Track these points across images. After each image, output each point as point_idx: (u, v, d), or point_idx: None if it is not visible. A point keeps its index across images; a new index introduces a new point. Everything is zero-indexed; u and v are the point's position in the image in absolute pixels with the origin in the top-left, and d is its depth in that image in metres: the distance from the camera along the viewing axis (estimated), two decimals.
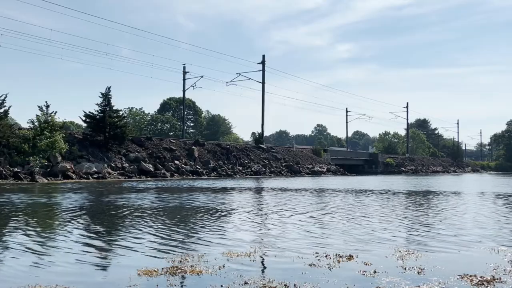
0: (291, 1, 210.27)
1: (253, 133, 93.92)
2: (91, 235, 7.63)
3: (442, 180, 40.66)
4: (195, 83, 54.80)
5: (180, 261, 5.43)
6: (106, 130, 34.85)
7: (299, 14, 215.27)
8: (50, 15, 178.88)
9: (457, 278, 4.66)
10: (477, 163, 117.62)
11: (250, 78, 54.09)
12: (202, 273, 4.83)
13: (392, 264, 5.30)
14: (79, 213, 10.82)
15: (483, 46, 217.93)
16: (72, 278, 4.71)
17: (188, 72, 55.27)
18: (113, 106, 36.27)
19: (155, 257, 5.75)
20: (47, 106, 30.83)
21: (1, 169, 25.58)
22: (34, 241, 6.92)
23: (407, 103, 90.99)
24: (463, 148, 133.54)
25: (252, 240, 7.05)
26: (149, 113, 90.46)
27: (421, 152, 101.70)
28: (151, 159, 36.76)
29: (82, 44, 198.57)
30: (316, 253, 5.93)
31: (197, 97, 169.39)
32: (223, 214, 10.79)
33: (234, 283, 4.45)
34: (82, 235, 7.58)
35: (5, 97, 28.86)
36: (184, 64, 55.72)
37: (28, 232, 7.75)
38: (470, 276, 4.73)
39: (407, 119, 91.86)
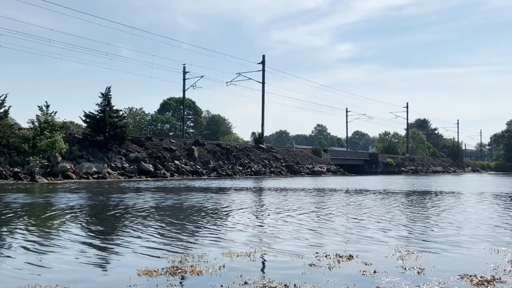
0: (291, 1, 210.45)
1: (253, 133, 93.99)
2: (91, 235, 7.63)
3: (442, 180, 40.66)
4: (195, 83, 54.86)
5: (180, 261, 5.43)
6: (106, 130, 34.85)
7: (299, 14, 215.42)
8: (50, 15, 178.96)
9: (457, 278, 4.66)
10: (477, 163, 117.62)
11: (250, 78, 54.15)
12: (202, 273, 4.83)
13: (392, 264, 5.30)
14: (79, 213, 10.82)
15: (483, 46, 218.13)
16: (72, 278, 4.71)
17: (188, 72, 55.30)
18: (113, 106, 36.29)
19: (155, 257, 5.75)
20: (47, 106, 30.84)
21: (1, 169, 25.58)
22: (34, 241, 6.92)
23: (407, 103, 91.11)
24: (463, 148, 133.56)
25: (252, 240, 7.05)
26: (149, 113, 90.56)
27: (421, 152, 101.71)
28: (151, 159, 36.76)
29: (82, 44, 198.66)
30: (316, 253, 5.93)
31: (197, 97, 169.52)
32: (223, 214, 10.80)
33: (234, 283, 4.45)
34: (82, 235, 7.59)
35: (5, 97, 28.89)
36: (184, 64, 55.79)
37: (28, 232, 7.75)
38: (470, 276, 4.73)
39: (407, 119, 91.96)
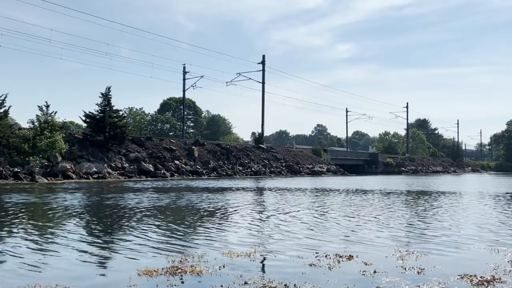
0: (291, 1, 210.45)
1: (253, 133, 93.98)
2: (91, 235, 7.63)
3: (442, 180, 40.66)
4: (195, 83, 54.85)
5: (180, 261, 5.43)
6: (106, 130, 34.85)
7: (299, 14, 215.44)
8: (50, 15, 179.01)
9: (457, 278, 4.66)
10: (477, 163, 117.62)
11: (250, 78, 54.14)
12: (202, 273, 4.83)
13: (392, 264, 5.30)
14: (79, 213, 10.82)
15: (483, 46, 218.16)
16: (72, 278, 4.71)
17: (188, 72, 55.30)
18: (113, 106, 36.27)
19: (155, 257, 5.76)
20: (47, 106, 30.85)
21: (1, 169, 25.57)
22: (33, 241, 6.92)
23: (407, 103, 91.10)
24: (463, 148, 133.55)
25: (252, 240, 7.05)
26: (149, 113, 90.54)
27: (421, 152, 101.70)
28: (151, 159, 36.75)
29: (82, 44, 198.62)
30: (316, 253, 5.93)
31: (197, 97, 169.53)
32: (223, 214, 10.80)
33: (234, 283, 4.45)
34: (82, 235, 7.59)
35: (5, 97, 28.86)
36: (184, 64, 55.79)
37: (28, 232, 7.75)
38: (470, 276, 4.73)
39: (407, 119, 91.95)
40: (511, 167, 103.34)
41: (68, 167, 29.08)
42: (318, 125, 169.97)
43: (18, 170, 26.33)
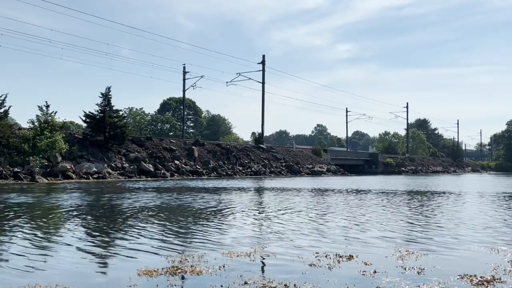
0: (291, 1, 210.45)
1: (253, 133, 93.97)
2: (91, 235, 7.63)
3: (442, 180, 40.66)
4: (195, 83, 54.85)
5: (180, 261, 5.43)
6: (106, 130, 34.84)
7: (299, 14, 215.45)
8: (50, 15, 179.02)
9: (457, 278, 4.66)
10: (477, 163, 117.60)
11: (250, 78, 54.14)
12: (202, 273, 4.83)
13: (392, 264, 5.30)
14: (79, 213, 10.82)
15: (483, 46, 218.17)
16: (72, 278, 4.71)
17: (188, 72, 55.30)
18: (113, 106, 36.27)
19: (155, 257, 5.76)
20: (47, 106, 30.85)
21: (1, 169, 25.57)
22: (33, 241, 6.92)
23: (407, 103, 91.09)
24: (463, 148, 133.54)
25: (252, 240, 7.05)
26: (149, 113, 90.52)
27: (421, 152, 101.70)
28: (151, 159, 36.75)
29: (82, 44, 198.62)
30: (316, 253, 5.93)
31: (197, 97, 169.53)
32: (223, 214, 10.80)
33: (234, 283, 4.45)
34: (81, 235, 7.58)
35: (5, 97, 28.87)
36: (184, 64, 55.79)
37: (28, 232, 7.75)
38: (470, 276, 4.73)
39: (407, 119, 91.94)
40: (511, 167, 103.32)
41: (68, 167, 29.07)
42: (318, 125, 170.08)
43: (18, 170, 26.33)
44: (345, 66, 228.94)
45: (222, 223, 9.16)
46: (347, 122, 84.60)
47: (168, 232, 7.93)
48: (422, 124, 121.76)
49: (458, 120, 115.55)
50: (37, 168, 27.05)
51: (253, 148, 51.37)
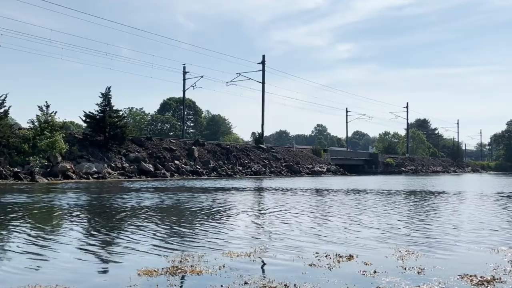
0: (291, 1, 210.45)
1: (253, 133, 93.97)
2: (91, 235, 7.63)
3: (442, 180, 40.66)
4: (195, 83, 54.86)
5: (180, 261, 5.43)
6: (106, 130, 34.84)
7: (299, 14, 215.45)
8: (50, 15, 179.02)
9: (457, 278, 4.66)
10: (477, 163, 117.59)
11: (250, 78, 54.15)
12: (202, 273, 4.83)
13: (392, 264, 5.30)
14: (79, 213, 10.82)
15: (483, 46, 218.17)
16: (72, 278, 4.71)
17: (188, 72, 55.31)
18: (113, 106, 36.26)
19: (155, 257, 5.75)
20: (47, 106, 30.85)
21: (1, 169, 25.57)
22: (33, 241, 6.92)
23: (407, 103, 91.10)
24: (463, 148, 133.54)
25: (252, 240, 7.05)
26: (149, 113, 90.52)
27: (421, 152, 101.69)
28: (151, 159, 36.75)
29: (82, 44, 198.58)
30: (316, 253, 5.93)
31: (197, 97, 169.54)
32: (223, 214, 10.80)
33: (234, 283, 4.45)
34: (81, 235, 7.58)
35: (5, 97, 28.86)
36: (184, 64, 55.81)
37: (28, 232, 7.75)
38: (470, 276, 4.73)
39: (407, 119, 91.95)
40: (511, 167, 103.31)
41: (68, 167, 29.07)
42: (318, 125, 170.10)
43: (18, 170, 26.33)
44: (345, 66, 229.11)
45: (222, 223, 9.16)
46: (347, 122, 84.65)
47: (168, 232, 7.93)
48: (422, 124, 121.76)
49: (458, 120, 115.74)
50: (37, 168, 27.05)
51: (253, 148, 51.37)
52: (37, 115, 30.47)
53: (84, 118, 35.79)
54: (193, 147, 42.33)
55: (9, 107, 29.00)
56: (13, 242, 6.83)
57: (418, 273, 4.89)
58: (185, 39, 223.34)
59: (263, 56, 53.99)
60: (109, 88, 35.94)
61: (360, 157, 73.87)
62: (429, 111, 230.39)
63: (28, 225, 8.72)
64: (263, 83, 53.85)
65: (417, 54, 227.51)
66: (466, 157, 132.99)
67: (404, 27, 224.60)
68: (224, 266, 5.13)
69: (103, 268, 5.31)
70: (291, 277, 4.68)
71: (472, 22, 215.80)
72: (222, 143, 49.66)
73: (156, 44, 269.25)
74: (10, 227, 8.44)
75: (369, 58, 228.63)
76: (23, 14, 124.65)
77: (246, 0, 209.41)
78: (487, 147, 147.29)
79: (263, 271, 5.10)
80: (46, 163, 28.02)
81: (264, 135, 57.21)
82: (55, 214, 10.77)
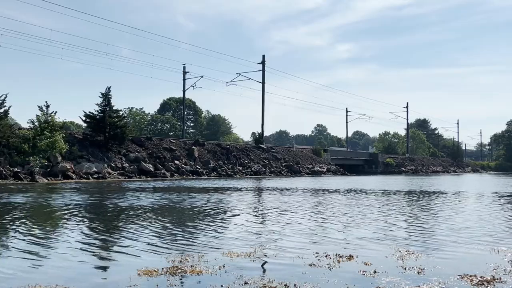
0: (291, 1, 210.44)
1: (253, 133, 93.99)
2: (91, 235, 7.62)
3: (441, 180, 40.66)
4: (195, 83, 54.85)
5: (180, 261, 5.43)
6: (106, 130, 34.84)
7: (299, 14, 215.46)
8: (50, 15, 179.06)
9: (457, 278, 4.66)
10: (477, 163, 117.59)
11: (250, 78, 54.14)
12: (202, 273, 4.83)
13: (392, 264, 5.30)
14: (79, 213, 10.81)
15: (483, 46, 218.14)
16: (72, 278, 4.71)
17: (188, 72, 55.30)
18: (113, 106, 36.26)
19: (155, 257, 5.75)
20: (47, 106, 30.85)
21: (1, 169, 25.57)
22: (33, 241, 6.92)
23: (407, 103, 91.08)
24: (463, 148, 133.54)
25: (252, 240, 7.05)
26: (149, 113, 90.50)
27: (421, 152, 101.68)
28: (151, 159, 36.75)
29: (82, 44, 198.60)
30: (316, 253, 5.93)
31: (197, 97, 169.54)
32: (223, 214, 10.79)
33: (234, 283, 4.45)
34: (81, 235, 7.58)
35: (5, 97, 28.86)
36: (184, 64, 55.79)
37: (28, 232, 7.75)
38: (470, 276, 4.73)
39: (407, 119, 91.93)
40: (511, 167, 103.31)
41: (68, 167, 29.08)
42: (318, 125, 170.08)
43: (18, 170, 26.33)
44: (345, 66, 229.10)
45: (222, 223, 9.16)
46: (347, 122, 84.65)
47: (168, 232, 7.93)
48: (422, 124, 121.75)
49: (458, 120, 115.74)
50: (37, 168, 27.05)
51: (253, 148, 51.36)
52: (37, 115, 30.49)
53: (84, 118, 35.80)
54: (193, 147, 42.33)
55: (9, 107, 29.04)
56: (13, 242, 6.83)
57: (418, 273, 4.89)
58: (185, 39, 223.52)
59: (263, 56, 54.03)
60: (109, 88, 35.98)
61: (360, 157, 73.87)
62: (429, 111, 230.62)
63: (28, 225, 8.71)
64: (263, 83, 53.86)
65: (417, 54, 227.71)
66: (466, 157, 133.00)
67: (404, 27, 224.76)
68: (224, 266, 5.13)
69: (103, 268, 5.31)
70: (291, 277, 4.68)
71: (472, 22, 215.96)
72: (222, 143, 49.66)
73: (156, 44, 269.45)
74: (10, 227, 8.44)
75: (369, 58, 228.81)
76: (23, 14, 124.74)
77: (246, 0, 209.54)
78: (487, 147, 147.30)
79: (263, 271, 5.10)
80: (46, 163, 28.02)
81: (264, 135, 57.22)
82: (55, 214, 10.77)
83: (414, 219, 9.89)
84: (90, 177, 29.65)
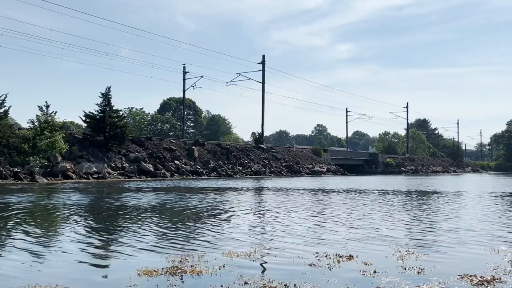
0: (291, 1, 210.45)
1: (253, 133, 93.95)
2: (91, 235, 7.62)
3: (441, 180, 40.66)
4: (195, 83, 54.86)
5: (180, 261, 5.43)
6: (106, 130, 34.84)
7: (299, 14, 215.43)
8: (50, 15, 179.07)
9: (457, 278, 4.66)
10: (477, 163, 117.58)
11: (250, 78, 54.14)
12: (202, 273, 4.83)
13: (392, 264, 5.30)
14: (79, 213, 10.82)
15: (483, 46, 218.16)
16: (72, 278, 4.71)
17: (188, 72, 55.30)
18: (113, 106, 36.24)
19: (155, 257, 5.75)
20: (47, 106, 30.84)
21: (1, 169, 25.57)
22: (33, 241, 6.92)
23: (407, 103, 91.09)
24: (463, 148, 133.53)
25: (252, 240, 7.05)
26: (149, 113, 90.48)
27: (421, 152, 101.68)
28: (151, 159, 36.75)
29: (82, 44, 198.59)
30: (316, 253, 5.93)
31: (197, 97, 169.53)
32: (223, 214, 10.79)
33: (234, 283, 4.45)
34: (81, 235, 7.58)
35: (5, 97, 28.85)
36: (184, 64, 55.80)
37: (28, 232, 7.75)
38: (470, 276, 4.73)
39: (407, 119, 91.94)
40: (511, 167, 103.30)
41: (68, 167, 29.07)
42: (318, 125, 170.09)
43: (18, 170, 26.33)
44: (345, 66, 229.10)
45: (222, 223, 9.15)
46: (347, 122, 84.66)
47: (168, 232, 7.93)
48: (422, 124, 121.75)
49: (458, 120, 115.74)
50: (37, 168, 27.05)
51: (253, 148, 51.36)
52: (37, 115, 30.48)
53: (84, 118, 35.79)
54: (193, 147, 42.33)
55: (9, 107, 29.02)
56: (12, 242, 6.83)
57: (418, 273, 4.89)
58: (185, 39, 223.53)
59: (263, 56, 54.03)
60: (109, 88, 35.97)
61: (360, 157, 73.87)
62: (429, 111, 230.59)
63: (28, 225, 8.72)
64: (263, 83, 53.86)
65: (417, 54, 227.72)
66: (466, 157, 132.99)
67: (404, 27, 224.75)
68: (224, 266, 5.13)
69: (103, 268, 5.31)
70: (291, 277, 4.68)
71: (472, 22, 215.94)
72: (222, 143, 49.66)
73: (156, 44, 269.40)
74: (10, 227, 8.44)
75: (369, 58, 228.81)
76: (23, 14, 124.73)
77: (246, 0, 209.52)
78: (487, 147, 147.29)
79: (263, 271, 5.10)
80: (46, 163, 28.02)
81: (264, 135, 57.22)
82: (54, 214, 10.77)
83: (414, 219, 9.89)
84: (90, 177, 29.64)
